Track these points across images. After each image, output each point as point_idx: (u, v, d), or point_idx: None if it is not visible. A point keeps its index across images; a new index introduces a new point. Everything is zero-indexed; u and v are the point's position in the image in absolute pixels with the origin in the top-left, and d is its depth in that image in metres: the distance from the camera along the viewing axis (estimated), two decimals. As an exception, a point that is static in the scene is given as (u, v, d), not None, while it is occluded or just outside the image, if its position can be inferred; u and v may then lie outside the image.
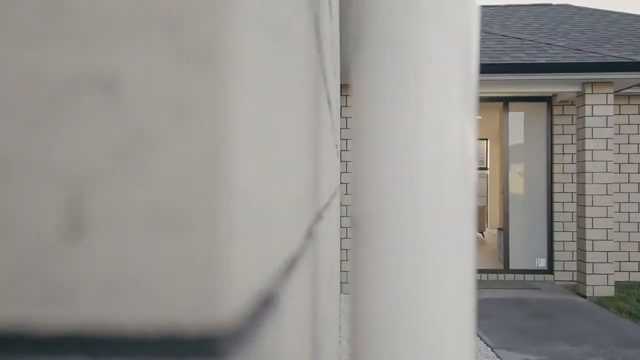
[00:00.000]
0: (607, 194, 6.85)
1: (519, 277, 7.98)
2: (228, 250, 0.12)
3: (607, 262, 6.86)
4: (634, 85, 7.23)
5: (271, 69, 0.19)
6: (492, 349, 4.99)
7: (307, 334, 0.36)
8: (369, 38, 0.42)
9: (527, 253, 8.02)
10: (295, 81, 0.26)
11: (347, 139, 7.32)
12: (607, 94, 6.93)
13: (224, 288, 0.12)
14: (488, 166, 14.87)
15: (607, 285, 6.87)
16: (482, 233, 13.52)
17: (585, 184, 6.89)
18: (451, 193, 0.44)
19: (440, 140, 0.43)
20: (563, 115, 7.98)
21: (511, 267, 8.03)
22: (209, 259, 0.11)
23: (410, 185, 0.42)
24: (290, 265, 0.26)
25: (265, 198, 0.18)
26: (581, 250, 7.02)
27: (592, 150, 6.88)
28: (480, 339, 5.32)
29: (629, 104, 8.03)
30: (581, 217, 7.02)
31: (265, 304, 0.19)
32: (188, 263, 0.11)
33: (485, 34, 8.24)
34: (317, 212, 0.56)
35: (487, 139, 14.37)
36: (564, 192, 7.91)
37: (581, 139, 7.02)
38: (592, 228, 6.87)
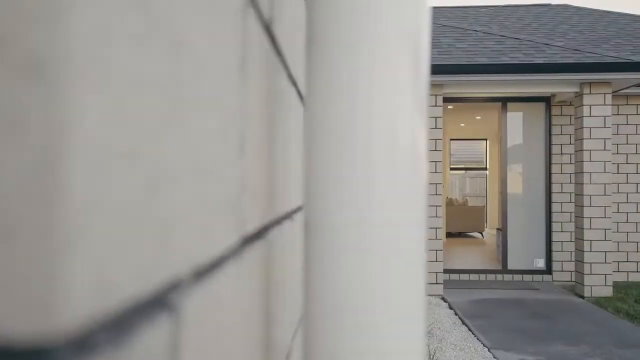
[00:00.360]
0: (605, 194, 6.85)
1: (518, 277, 7.98)
2: (66, 260, 0.12)
3: (605, 263, 6.85)
4: (633, 86, 7.22)
5: (152, 78, 0.19)
6: (488, 350, 4.99)
7: (245, 338, 0.37)
8: (321, 34, 0.43)
9: (525, 253, 8.02)
10: (210, 91, 0.26)
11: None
12: (605, 94, 6.92)
13: (60, 299, 0.12)
14: (487, 166, 14.87)
15: (605, 285, 6.87)
16: (481, 233, 13.51)
17: (583, 184, 6.89)
18: (401, 196, 0.44)
19: (390, 141, 0.43)
20: (561, 115, 7.97)
21: (509, 267, 8.03)
22: (43, 269, 0.11)
23: (359, 188, 0.43)
24: (205, 272, 0.26)
25: (142, 208, 0.18)
26: (579, 251, 7.02)
27: (590, 150, 6.88)
28: (477, 339, 5.32)
29: (627, 104, 8.02)
30: (579, 217, 7.01)
31: (148, 311, 0.19)
32: (22, 273, 0.11)
33: (484, 34, 8.24)
34: (280, 215, 0.56)
35: (486, 139, 14.37)
36: (562, 192, 7.91)
37: (579, 139, 7.02)
38: (590, 228, 6.87)
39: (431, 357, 4.42)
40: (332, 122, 0.43)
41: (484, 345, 5.11)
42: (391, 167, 0.43)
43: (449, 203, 13.50)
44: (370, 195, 0.43)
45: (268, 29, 0.46)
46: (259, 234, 0.43)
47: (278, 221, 0.55)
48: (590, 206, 6.87)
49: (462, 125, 12.65)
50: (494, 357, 4.78)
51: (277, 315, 0.54)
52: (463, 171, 17.77)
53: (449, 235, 12.98)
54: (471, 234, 13.81)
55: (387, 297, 0.44)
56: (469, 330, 5.66)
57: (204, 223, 0.26)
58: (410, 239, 0.45)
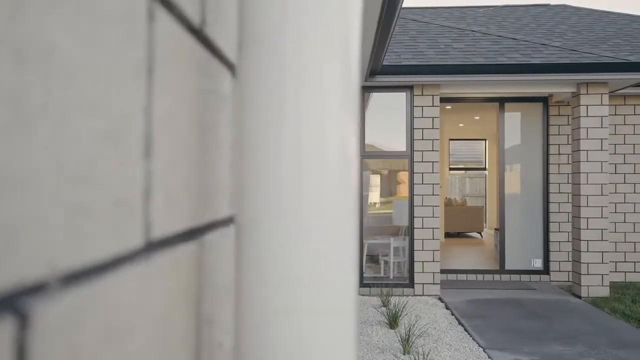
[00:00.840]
0: (602, 195, 6.84)
1: (515, 277, 7.98)
2: None
3: (602, 263, 6.85)
4: (630, 86, 7.21)
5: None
6: (484, 350, 4.99)
7: (160, 339, 0.37)
8: (249, 36, 0.43)
9: (523, 253, 8.01)
10: (86, 94, 0.26)
11: (342, 140, 7.30)
12: (601, 94, 6.92)
13: None
14: (487, 167, 14.86)
15: (602, 285, 6.86)
16: (480, 234, 13.50)
17: (580, 184, 6.88)
18: (331, 197, 0.44)
19: (318, 142, 0.43)
20: (559, 115, 7.97)
21: (507, 267, 8.02)
22: None
23: (287, 189, 0.43)
24: (80, 276, 0.26)
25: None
26: (576, 251, 7.02)
27: (587, 150, 6.87)
28: (473, 339, 5.32)
29: (624, 105, 8.01)
30: (576, 217, 7.01)
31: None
32: None
33: (482, 34, 8.23)
34: (223, 218, 0.56)
35: (485, 140, 14.36)
36: (559, 192, 7.90)
37: (576, 140, 7.02)
38: (587, 228, 6.86)
39: (425, 356, 4.42)
40: (261, 122, 0.43)
41: (479, 346, 5.11)
42: (319, 167, 0.43)
43: (448, 203, 13.49)
44: (297, 195, 0.43)
45: (198, 32, 0.46)
46: (185, 236, 0.43)
47: (222, 223, 0.56)
48: (587, 206, 6.86)
49: (461, 125, 12.64)
50: (489, 357, 4.77)
51: (219, 317, 0.54)
52: (463, 171, 17.76)
53: (447, 235, 12.97)
54: (470, 234, 13.80)
55: (314, 297, 0.44)
56: (465, 330, 5.66)
57: (80, 227, 0.26)
58: (339, 239, 0.45)
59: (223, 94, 0.54)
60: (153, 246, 0.35)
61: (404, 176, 7.48)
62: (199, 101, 0.47)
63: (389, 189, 8.07)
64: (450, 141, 13.91)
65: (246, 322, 0.44)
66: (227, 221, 0.57)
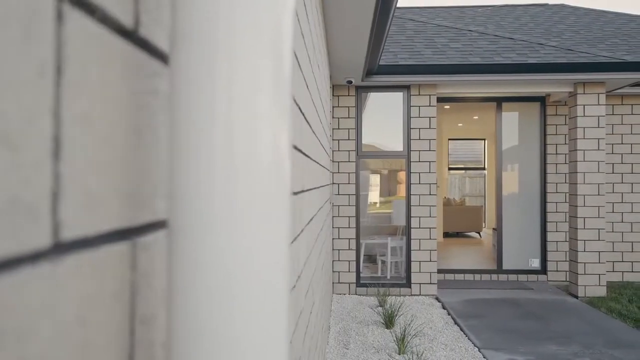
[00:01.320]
0: (598, 194, 6.84)
1: (513, 277, 7.97)
2: None
3: (599, 262, 6.84)
4: (627, 85, 7.20)
5: None
6: (479, 349, 4.99)
7: (78, 340, 0.37)
8: (180, 34, 0.43)
9: (520, 253, 8.01)
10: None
11: (338, 139, 7.31)
12: (598, 94, 6.91)
13: None
14: (486, 166, 14.84)
15: (599, 285, 6.86)
16: (478, 233, 13.49)
17: (577, 184, 6.88)
18: (263, 196, 0.44)
19: (251, 142, 0.44)
20: (556, 115, 7.96)
21: (504, 267, 8.02)
22: None
23: (218, 189, 0.43)
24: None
25: None
26: (573, 251, 7.01)
27: (583, 150, 6.87)
28: (469, 339, 5.32)
29: (622, 104, 8.00)
30: (573, 217, 7.01)
31: None
32: None
33: (479, 34, 8.23)
34: (159, 220, 0.56)
35: (484, 139, 14.35)
36: (557, 192, 7.90)
37: (573, 139, 7.01)
38: (584, 228, 6.86)
39: (419, 356, 4.41)
40: (192, 121, 0.43)
41: (475, 345, 5.11)
42: (250, 166, 0.44)
43: (447, 203, 13.48)
44: (229, 194, 0.43)
45: (131, 34, 0.46)
46: (113, 236, 0.43)
47: (163, 224, 0.56)
48: (584, 206, 6.86)
49: (460, 125, 12.64)
50: (484, 357, 4.77)
51: (160, 317, 0.54)
52: (462, 171, 17.74)
53: (446, 235, 12.97)
54: (469, 233, 13.80)
55: (247, 295, 0.44)
56: (461, 330, 5.66)
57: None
58: (271, 238, 0.45)
59: (164, 95, 0.54)
60: (65, 247, 0.35)
61: (403, 176, 7.48)
62: (132, 102, 0.47)
63: (388, 189, 8.07)
64: (450, 141, 13.90)
65: (179, 322, 0.44)
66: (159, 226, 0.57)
